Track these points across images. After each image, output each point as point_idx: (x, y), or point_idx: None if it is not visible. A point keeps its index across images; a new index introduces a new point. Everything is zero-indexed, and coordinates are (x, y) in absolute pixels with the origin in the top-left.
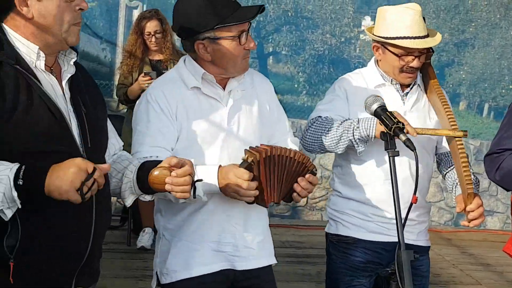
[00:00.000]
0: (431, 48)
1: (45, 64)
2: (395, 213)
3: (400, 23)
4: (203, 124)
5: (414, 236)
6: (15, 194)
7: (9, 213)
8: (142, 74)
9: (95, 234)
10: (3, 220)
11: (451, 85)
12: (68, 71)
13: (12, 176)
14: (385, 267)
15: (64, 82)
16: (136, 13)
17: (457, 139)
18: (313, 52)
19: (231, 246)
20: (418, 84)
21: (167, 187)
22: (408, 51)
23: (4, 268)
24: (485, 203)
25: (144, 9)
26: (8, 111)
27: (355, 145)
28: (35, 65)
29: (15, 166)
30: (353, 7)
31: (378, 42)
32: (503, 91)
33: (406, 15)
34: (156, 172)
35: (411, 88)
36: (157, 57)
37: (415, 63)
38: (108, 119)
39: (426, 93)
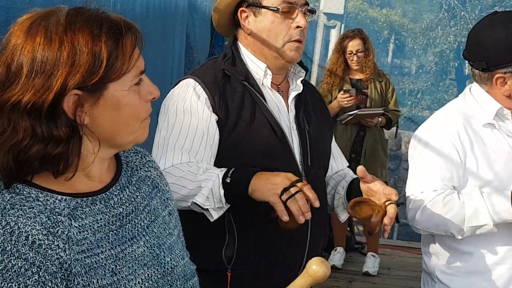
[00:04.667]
0: None
1: (272, 82)
2: None
3: None
4: (502, 165)
5: None
6: (221, 191)
7: (215, 215)
8: (342, 92)
9: (308, 253)
10: (222, 232)
11: None
12: (295, 89)
13: (221, 174)
14: None
15: (290, 100)
16: (333, 32)
17: None
18: None
19: None
20: None
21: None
22: None
23: (221, 278)
24: None
25: (342, 29)
26: (231, 125)
27: None
28: (262, 83)
29: (227, 168)
30: None
31: None
32: None
33: None
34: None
35: None
36: (358, 76)
37: None
38: (334, 139)
39: None
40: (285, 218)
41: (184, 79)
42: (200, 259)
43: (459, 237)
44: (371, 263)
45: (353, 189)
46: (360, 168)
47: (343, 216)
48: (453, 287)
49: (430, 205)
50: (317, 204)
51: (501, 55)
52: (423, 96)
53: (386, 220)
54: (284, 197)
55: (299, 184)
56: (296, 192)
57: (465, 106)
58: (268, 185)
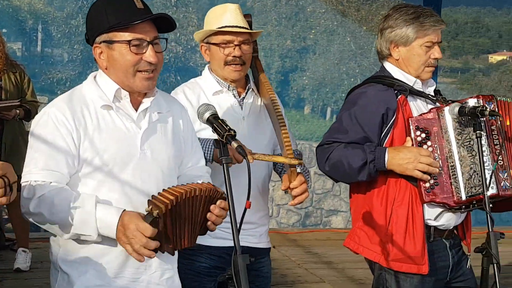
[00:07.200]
0: (255, 42)
1: None
2: (230, 219)
3: (220, 16)
4: (114, 147)
5: (256, 239)
6: None
7: None
8: None
9: None
10: None
11: (295, 90)
12: None
13: None
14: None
15: None
16: None
17: (272, 99)
18: None
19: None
20: (252, 89)
21: None
22: (228, 40)
23: None
24: (329, 203)
25: None
26: None
27: None
28: None
29: None
30: (197, 16)
31: (204, 42)
32: (343, 95)
33: (226, 9)
34: None
35: (246, 93)
36: None
37: (236, 52)
38: None
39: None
40: None
41: None
42: None
43: (65, 237)
44: (22, 259)
45: None
46: None
47: None
48: (73, 275)
49: (42, 199)
50: None
51: (94, 24)
52: (72, 84)
53: None
54: None
55: None
56: None
57: (86, 90)
58: None
